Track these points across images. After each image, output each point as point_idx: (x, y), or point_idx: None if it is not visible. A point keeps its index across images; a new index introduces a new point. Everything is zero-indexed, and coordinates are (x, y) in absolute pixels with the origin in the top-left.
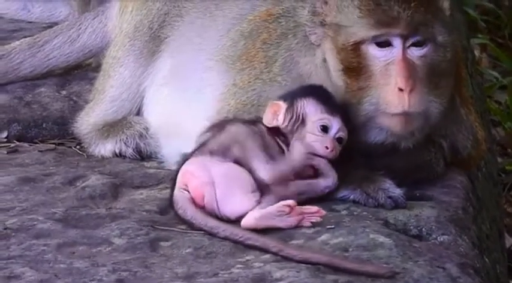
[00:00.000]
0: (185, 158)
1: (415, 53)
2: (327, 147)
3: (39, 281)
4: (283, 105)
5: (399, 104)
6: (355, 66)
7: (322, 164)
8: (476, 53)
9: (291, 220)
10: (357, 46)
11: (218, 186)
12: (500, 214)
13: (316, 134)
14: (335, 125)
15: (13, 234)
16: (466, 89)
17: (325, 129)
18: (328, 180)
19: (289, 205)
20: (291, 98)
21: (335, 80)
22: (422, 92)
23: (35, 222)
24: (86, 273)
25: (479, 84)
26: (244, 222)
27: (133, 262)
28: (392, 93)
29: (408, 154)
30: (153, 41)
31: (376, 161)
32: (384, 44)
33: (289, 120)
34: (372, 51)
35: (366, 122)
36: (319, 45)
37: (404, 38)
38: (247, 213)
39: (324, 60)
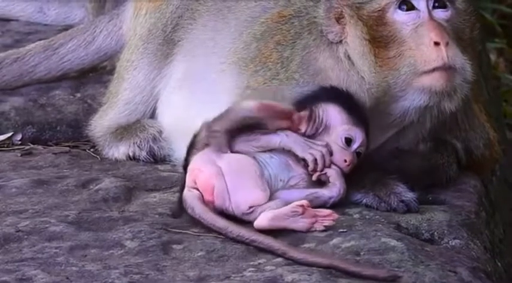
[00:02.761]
0: (186, 159)
1: (440, 14)
2: (345, 160)
3: None
4: (304, 114)
5: (438, 56)
6: (384, 35)
7: (334, 173)
8: (493, 57)
9: (303, 222)
10: (382, 14)
11: (227, 176)
12: None
13: (339, 145)
14: (358, 137)
15: (25, 236)
16: (477, 87)
17: (348, 141)
18: (333, 191)
19: (302, 206)
20: (312, 102)
21: (363, 62)
22: (456, 47)
23: (48, 225)
24: (97, 275)
25: (495, 88)
26: (258, 222)
27: (145, 265)
28: (429, 49)
29: (421, 158)
30: (166, 44)
31: (389, 165)
32: (408, 7)
33: (312, 126)
34: (398, 17)
35: (405, 88)
36: (340, 42)
37: None
38: (260, 203)
39: (346, 54)
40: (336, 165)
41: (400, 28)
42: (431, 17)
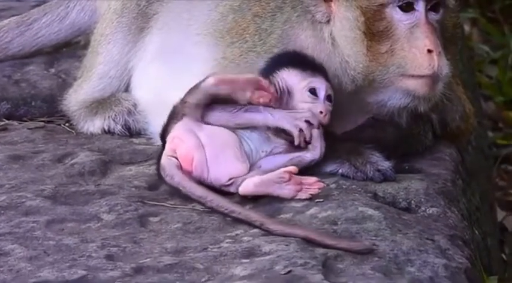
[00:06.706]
0: (165, 129)
1: (433, 17)
2: (321, 112)
3: (29, 258)
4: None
5: (429, 65)
6: (379, 30)
7: (315, 133)
8: (467, 27)
9: (289, 189)
10: (381, 9)
11: (207, 148)
12: (491, 187)
13: (308, 100)
14: (321, 84)
15: (2, 211)
16: (454, 61)
17: (314, 92)
18: (314, 153)
19: (289, 172)
20: (269, 72)
21: (351, 48)
22: (444, 54)
23: (24, 200)
24: (75, 249)
25: (469, 58)
26: (243, 188)
27: (122, 238)
28: (421, 55)
29: (396, 127)
30: (141, 17)
31: (364, 134)
32: (408, 8)
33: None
34: (396, 15)
35: (388, 86)
36: (326, 22)
37: (427, 1)
38: (239, 175)
39: (331, 35)
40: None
41: (397, 25)
42: (427, 20)
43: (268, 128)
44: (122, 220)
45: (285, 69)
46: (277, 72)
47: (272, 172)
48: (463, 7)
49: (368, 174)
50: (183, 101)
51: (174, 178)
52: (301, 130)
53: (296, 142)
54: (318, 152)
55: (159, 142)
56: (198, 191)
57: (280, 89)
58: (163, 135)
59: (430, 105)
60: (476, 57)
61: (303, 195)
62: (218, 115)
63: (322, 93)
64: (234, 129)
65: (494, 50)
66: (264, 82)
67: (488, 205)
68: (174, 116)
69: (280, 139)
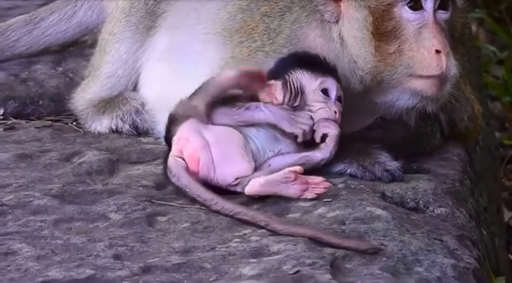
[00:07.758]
0: (167, 136)
1: (442, 16)
2: (335, 112)
3: (36, 257)
4: (277, 83)
5: (437, 65)
6: (388, 30)
7: (334, 132)
8: (474, 27)
9: (295, 188)
10: (390, 8)
11: (213, 148)
12: (498, 188)
13: (321, 100)
14: (332, 84)
15: (10, 210)
16: (462, 62)
17: (326, 92)
18: (325, 152)
19: (295, 172)
20: (281, 73)
21: (360, 49)
22: (452, 55)
23: (32, 199)
24: (82, 248)
25: (476, 58)
26: (249, 188)
27: (130, 237)
28: (429, 55)
29: (404, 127)
30: (149, 16)
31: (372, 134)
32: (416, 7)
33: (289, 96)
34: (405, 14)
35: (396, 86)
36: (335, 22)
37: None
38: (245, 175)
39: (340, 35)
40: (331, 122)
41: (405, 25)
42: (435, 20)
43: (275, 127)
44: (130, 219)
45: (299, 69)
46: (291, 72)
47: (278, 172)
48: (470, 7)
49: (376, 174)
50: (191, 106)
51: (181, 180)
52: (304, 132)
53: (300, 140)
54: (328, 152)
55: None
56: (204, 194)
57: (293, 89)
58: (167, 138)
59: (438, 106)
60: (482, 57)
61: (309, 194)
62: (222, 114)
63: (333, 94)
64: (239, 128)
65: (500, 50)
66: (271, 82)
67: (496, 206)
68: (175, 122)
69: (287, 139)
